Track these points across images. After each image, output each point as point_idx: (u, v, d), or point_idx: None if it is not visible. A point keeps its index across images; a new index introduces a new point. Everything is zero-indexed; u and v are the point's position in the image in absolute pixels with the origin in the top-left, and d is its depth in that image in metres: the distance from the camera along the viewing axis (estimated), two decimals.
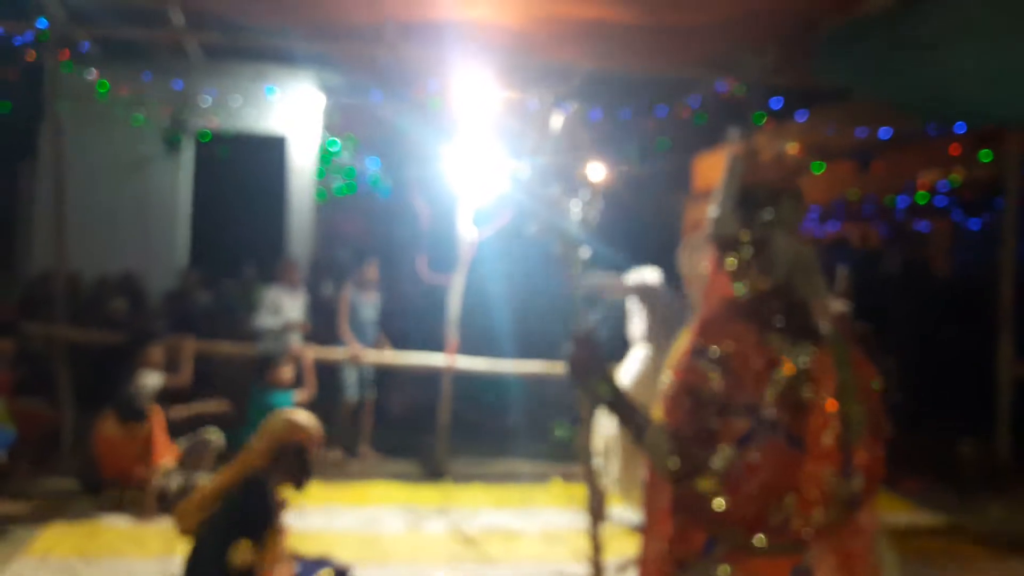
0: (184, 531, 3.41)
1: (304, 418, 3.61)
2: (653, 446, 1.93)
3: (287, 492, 3.57)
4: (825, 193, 10.82)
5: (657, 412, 2.01)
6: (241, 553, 3.15)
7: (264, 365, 6.47)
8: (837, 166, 9.18)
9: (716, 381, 1.87)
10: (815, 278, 1.99)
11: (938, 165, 9.29)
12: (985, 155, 7.98)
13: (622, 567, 4.52)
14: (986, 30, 4.89)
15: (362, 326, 6.80)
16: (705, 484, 1.85)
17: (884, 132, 8.00)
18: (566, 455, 6.10)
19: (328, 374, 7.00)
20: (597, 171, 2.73)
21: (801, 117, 7.81)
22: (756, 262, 2.00)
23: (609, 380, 2.10)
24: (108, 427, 5.56)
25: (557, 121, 2.59)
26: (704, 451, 1.86)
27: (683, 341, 2.02)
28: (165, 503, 5.28)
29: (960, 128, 6.99)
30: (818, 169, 8.77)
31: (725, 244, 2.06)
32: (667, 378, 2.03)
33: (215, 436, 5.75)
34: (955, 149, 8.36)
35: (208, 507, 3.34)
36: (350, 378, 6.82)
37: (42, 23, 6.59)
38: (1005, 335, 6.77)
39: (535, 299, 8.72)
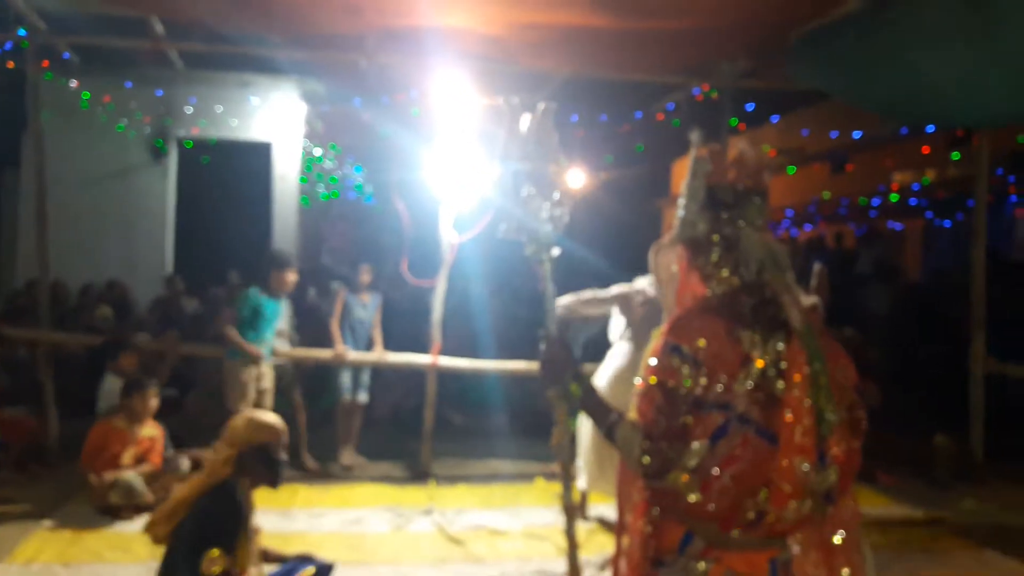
0: (155, 540, 3.40)
1: (264, 417, 3.58)
2: (625, 443, 1.94)
3: (263, 492, 3.55)
4: (800, 195, 10.95)
5: (632, 410, 2.02)
6: (211, 562, 3.13)
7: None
8: (811, 168, 9.27)
9: (687, 377, 1.88)
10: (785, 273, 2.00)
11: (910, 166, 9.40)
12: (956, 155, 8.10)
13: (603, 564, 4.56)
14: (956, 33, 4.94)
15: (355, 328, 6.84)
16: (679, 480, 1.86)
17: (857, 134, 8.11)
18: (548, 454, 6.16)
19: (323, 376, 7.01)
20: (574, 175, 2.74)
21: (775, 120, 7.89)
22: (726, 261, 2.01)
23: (581, 379, 2.13)
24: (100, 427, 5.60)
25: (525, 122, 2.56)
26: (676, 447, 1.87)
27: (655, 340, 2.01)
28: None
29: (931, 129, 7.07)
30: (790, 171, 8.85)
31: (694, 245, 2.08)
32: (640, 376, 2.03)
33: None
34: (926, 150, 8.48)
35: (178, 515, 3.33)
36: (345, 380, 6.86)
37: (22, 32, 6.54)
38: (977, 332, 6.85)
39: (516, 301, 8.81)
